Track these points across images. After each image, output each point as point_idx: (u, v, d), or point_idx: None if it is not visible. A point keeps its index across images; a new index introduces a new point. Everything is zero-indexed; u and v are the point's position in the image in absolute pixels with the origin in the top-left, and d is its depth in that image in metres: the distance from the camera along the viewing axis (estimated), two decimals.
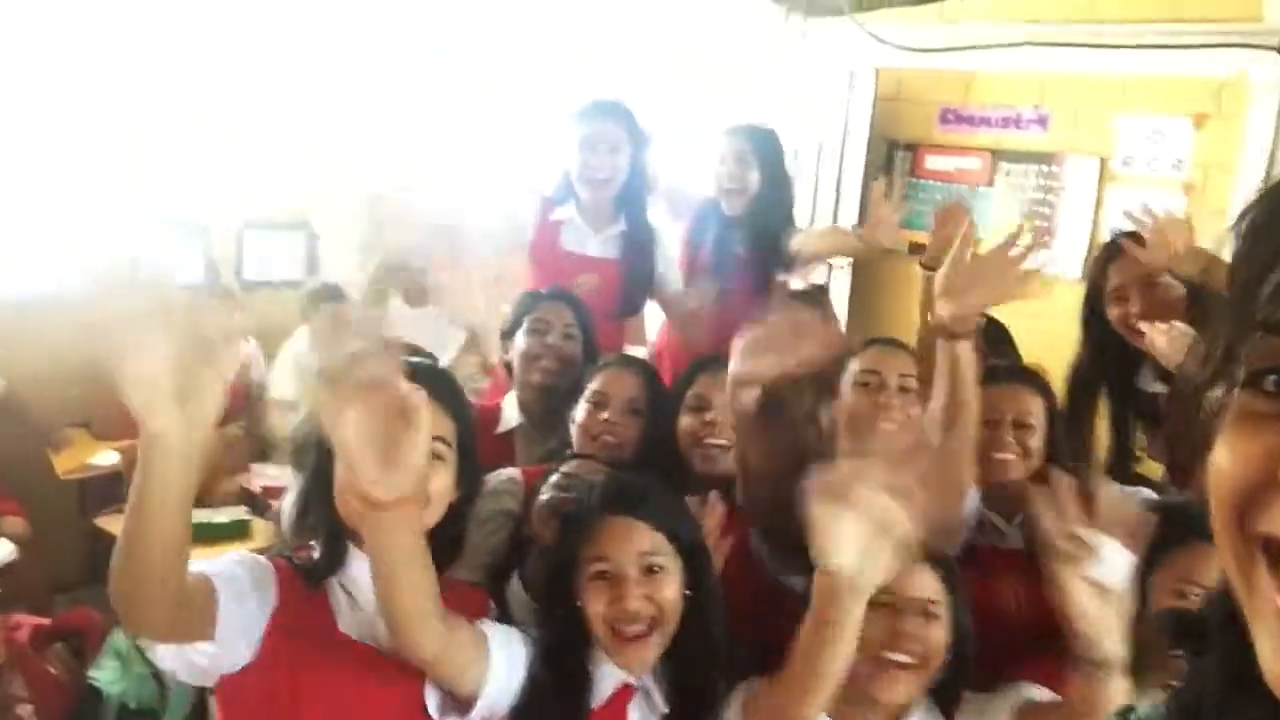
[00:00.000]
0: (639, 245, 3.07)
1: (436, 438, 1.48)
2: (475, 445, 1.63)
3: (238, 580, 1.41)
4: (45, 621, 3.30)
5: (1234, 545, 0.48)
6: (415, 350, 2.18)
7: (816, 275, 5.77)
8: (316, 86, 4.74)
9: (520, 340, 2.54)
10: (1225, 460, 0.48)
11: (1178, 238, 2.50)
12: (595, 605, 1.56)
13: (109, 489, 3.92)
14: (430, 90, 5.11)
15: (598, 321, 3.04)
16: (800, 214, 5.91)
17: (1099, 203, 4.95)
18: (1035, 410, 2.17)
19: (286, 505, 1.80)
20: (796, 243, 3.27)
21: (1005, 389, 2.18)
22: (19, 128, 4.07)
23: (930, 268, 2.65)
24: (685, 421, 2.17)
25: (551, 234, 3.09)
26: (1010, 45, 5.08)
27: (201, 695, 3.16)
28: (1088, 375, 2.73)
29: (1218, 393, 0.50)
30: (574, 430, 2.24)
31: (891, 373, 2.19)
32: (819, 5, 5.68)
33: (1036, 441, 2.14)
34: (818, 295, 5.27)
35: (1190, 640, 0.59)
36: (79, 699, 3.27)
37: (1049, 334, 4.92)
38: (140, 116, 4.34)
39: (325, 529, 1.51)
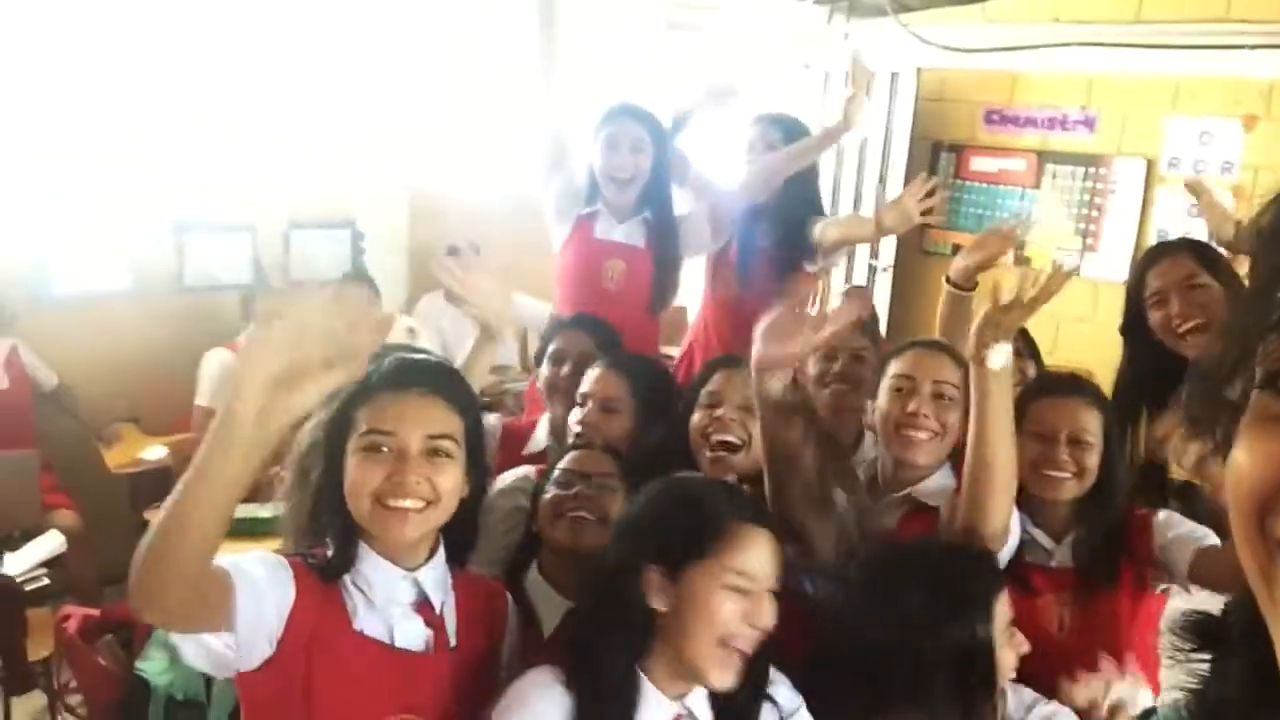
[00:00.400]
0: (665, 234, 3.10)
1: (445, 435, 1.51)
2: (483, 442, 1.65)
3: (255, 576, 1.41)
4: (95, 613, 3.36)
5: (1254, 548, 0.47)
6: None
7: (841, 270, 5.76)
8: (358, 85, 4.79)
9: (543, 369, 2.57)
10: (1244, 462, 0.48)
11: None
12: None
13: (158, 484, 3.98)
14: (470, 87, 5.15)
15: (632, 316, 3.06)
16: (843, 214, 5.91)
17: (1146, 205, 4.89)
18: (1092, 426, 2.03)
19: (286, 510, 1.81)
20: (818, 230, 3.25)
21: (1061, 402, 2.06)
22: (67, 131, 4.16)
23: (957, 286, 2.56)
24: (696, 417, 2.16)
25: (585, 226, 3.13)
26: (1056, 45, 5.04)
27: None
28: (1131, 383, 2.64)
29: (1234, 394, 0.49)
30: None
31: (925, 378, 2.08)
32: (862, 6, 5.66)
33: (1092, 460, 2.01)
34: (867, 293, 5.26)
35: (1212, 643, 0.58)
36: (127, 690, 3.32)
37: (1094, 338, 4.89)
38: (189, 119, 4.41)
39: (337, 528, 1.52)
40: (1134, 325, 2.57)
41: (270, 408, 1.17)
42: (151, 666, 3.34)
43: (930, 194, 2.90)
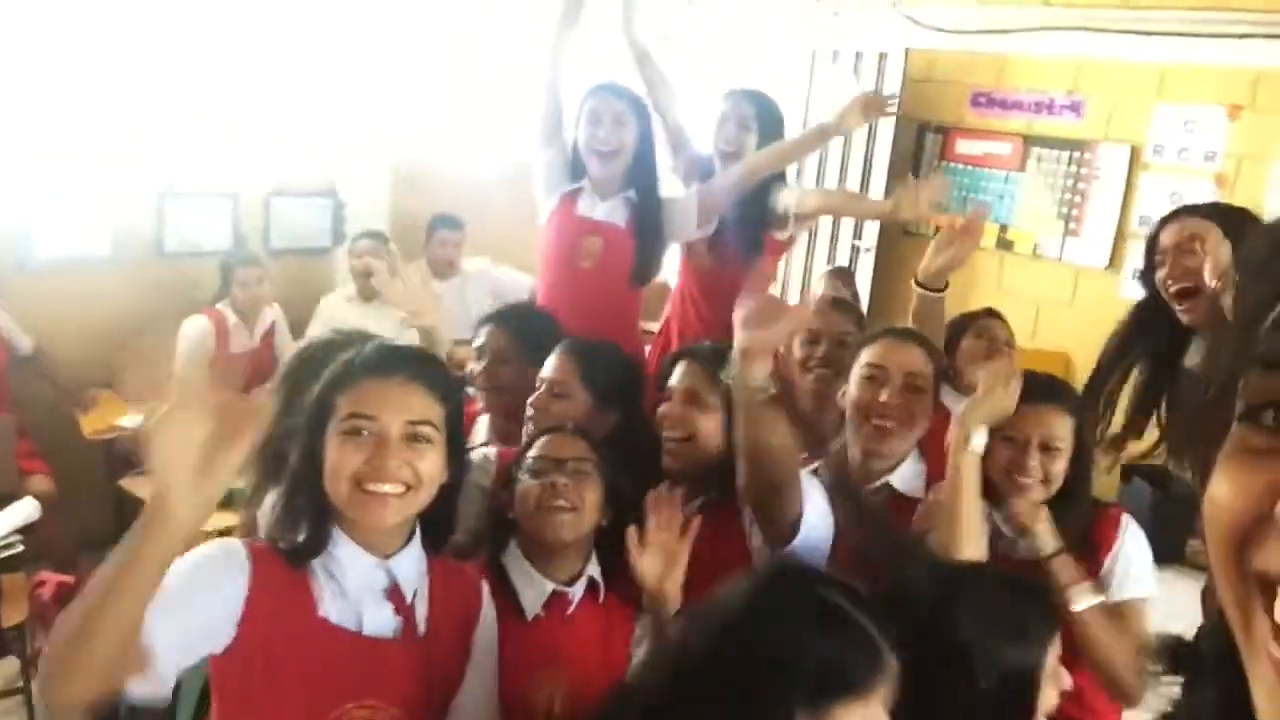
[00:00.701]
0: (648, 212, 3.10)
1: (424, 421, 1.51)
2: (462, 428, 1.63)
3: (179, 601, 1.34)
4: (69, 579, 3.35)
5: (1231, 581, 0.47)
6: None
7: (823, 251, 5.76)
8: (341, 54, 4.75)
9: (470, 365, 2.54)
10: (1223, 494, 0.47)
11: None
12: None
13: (134, 451, 3.96)
14: (454, 55, 5.11)
15: (610, 293, 3.08)
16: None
17: (1129, 191, 4.90)
18: (1063, 433, 2.04)
19: (268, 504, 1.80)
20: (795, 198, 3.26)
21: (1033, 409, 2.05)
22: (51, 96, 4.11)
23: (926, 287, 2.52)
24: (661, 409, 2.14)
25: (568, 203, 3.13)
26: (1046, 29, 5.03)
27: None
28: (1129, 339, 2.62)
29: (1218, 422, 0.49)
30: None
31: (897, 368, 2.08)
32: None
33: (1060, 466, 2.03)
34: (848, 275, 5.27)
35: (1184, 668, 0.58)
36: None
37: (1074, 323, 4.91)
38: (172, 86, 4.37)
39: (311, 510, 1.51)
40: (1146, 278, 2.56)
41: (197, 490, 1.23)
42: None
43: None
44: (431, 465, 1.52)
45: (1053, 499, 2.05)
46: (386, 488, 1.47)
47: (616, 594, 1.88)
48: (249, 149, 4.69)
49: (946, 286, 2.54)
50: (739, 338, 1.77)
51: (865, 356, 2.14)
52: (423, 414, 1.52)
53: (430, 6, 4.91)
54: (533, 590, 1.80)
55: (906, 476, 2.11)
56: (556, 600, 1.81)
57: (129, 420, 4.05)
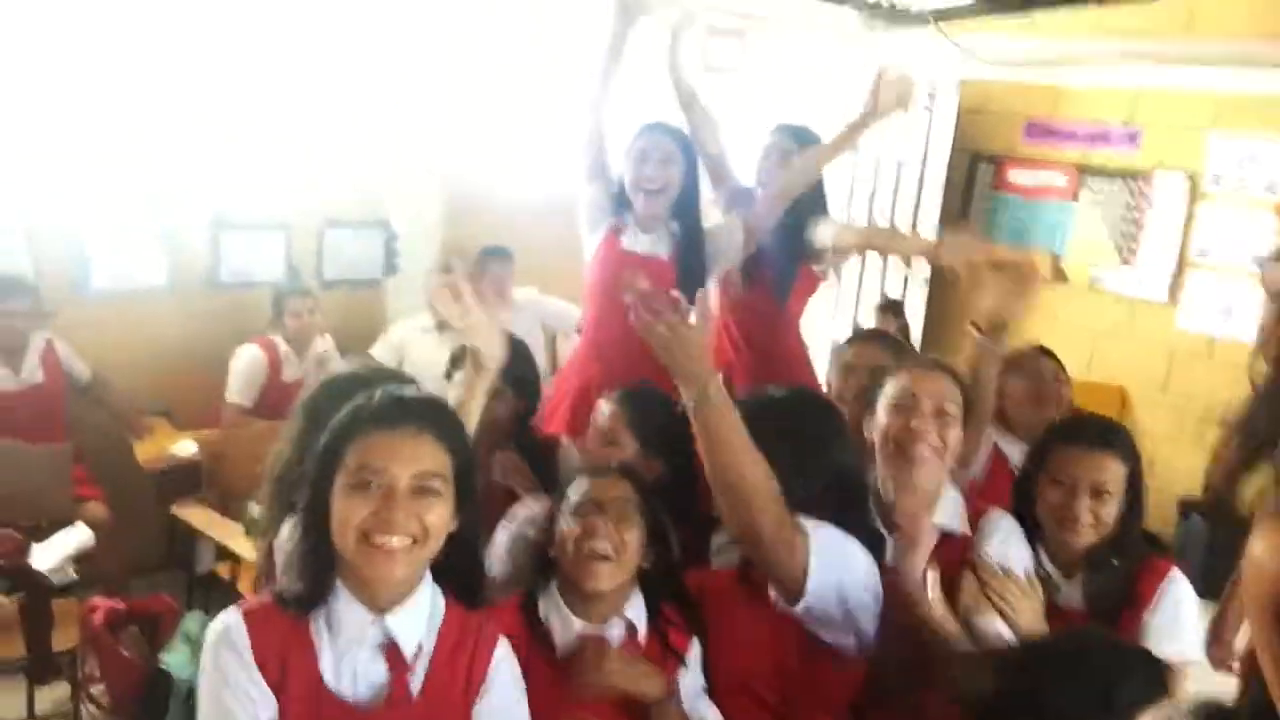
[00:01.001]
0: (690, 244, 3.11)
1: (433, 474, 1.49)
2: (473, 476, 1.60)
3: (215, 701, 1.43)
4: (120, 605, 3.38)
5: (1271, 642, 0.46)
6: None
7: (876, 281, 5.71)
8: (393, 85, 4.80)
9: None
10: (1263, 556, 0.46)
11: None
12: None
13: (186, 479, 4.01)
14: (504, 86, 5.15)
15: None
16: (880, 224, 5.88)
17: (1188, 221, 4.82)
18: (1115, 478, 2.02)
19: (284, 534, 1.82)
20: (832, 234, 3.25)
21: (1085, 454, 2.03)
22: (108, 128, 4.19)
23: (982, 330, 2.37)
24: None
25: (612, 237, 3.15)
26: (1101, 59, 4.98)
27: None
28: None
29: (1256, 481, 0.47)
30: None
31: (925, 396, 2.03)
32: (902, 15, 5.62)
33: (1111, 511, 2.01)
34: (899, 307, 5.23)
35: None
36: (149, 681, 3.34)
37: (1131, 356, 4.82)
38: (228, 117, 4.44)
39: (315, 560, 1.50)
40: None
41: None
42: (174, 659, 3.35)
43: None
44: (439, 517, 1.49)
45: (1101, 542, 2.02)
46: (394, 540, 1.45)
47: (660, 635, 1.85)
48: (302, 180, 4.75)
49: (1005, 329, 2.37)
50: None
51: (892, 387, 2.10)
52: (431, 466, 1.49)
53: (482, 37, 4.96)
54: (566, 630, 1.80)
55: (948, 509, 2.06)
56: (591, 639, 1.79)
57: (182, 448, 4.10)
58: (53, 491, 3.59)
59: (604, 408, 2.36)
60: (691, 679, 1.85)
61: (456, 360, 2.54)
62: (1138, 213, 4.98)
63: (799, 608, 1.74)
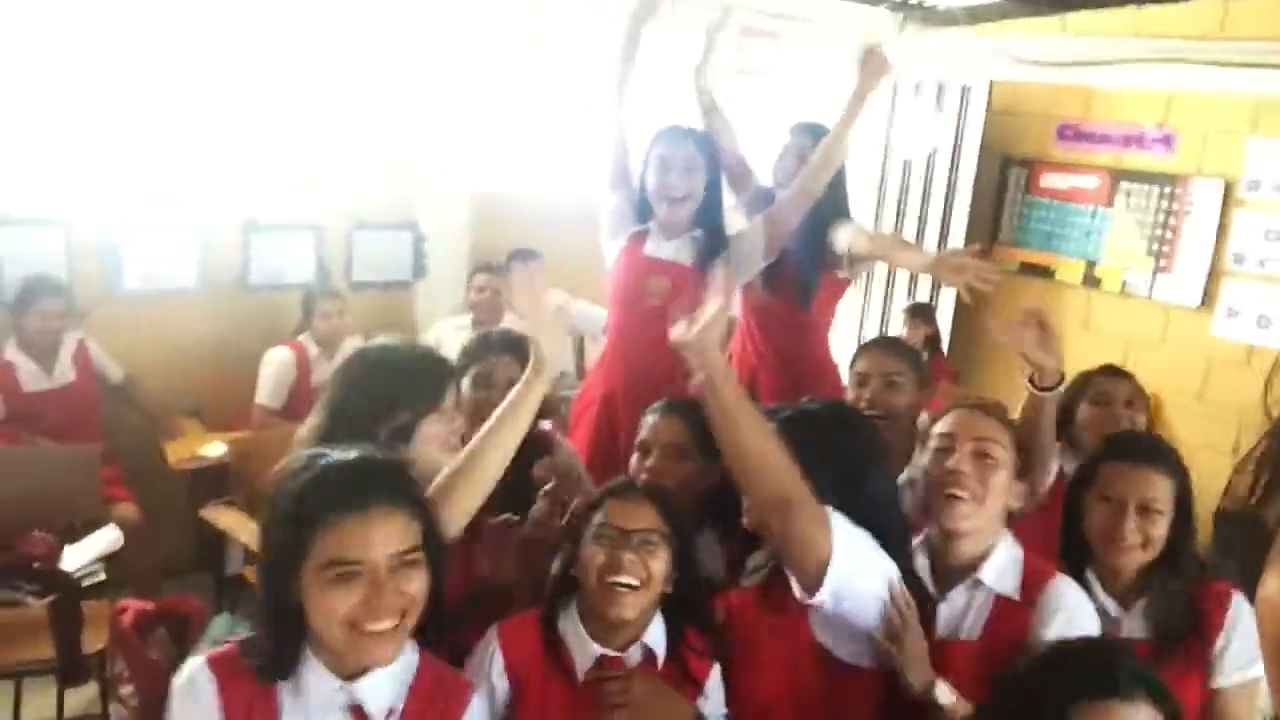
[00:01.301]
0: (714, 252, 3.08)
1: (410, 549, 1.44)
2: (438, 531, 1.54)
3: None
4: (149, 606, 3.40)
5: None
6: None
7: (903, 287, 5.67)
8: (425, 87, 4.81)
9: (468, 391, 2.42)
10: (1276, 596, 0.44)
11: None
12: None
13: (216, 481, 4.03)
14: (533, 89, 5.14)
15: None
16: (909, 227, 5.84)
17: (1223, 228, 4.75)
18: (1163, 495, 1.97)
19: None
20: (849, 238, 3.21)
21: (1132, 470, 1.99)
22: (140, 132, 4.22)
23: (1038, 386, 2.28)
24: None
25: (635, 244, 3.12)
26: (1136, 60, 4.91)
27: None
28: None
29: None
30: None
31: (967, 435, 1.94)
32: (935, 15, 5.58)
33: (1160, 529, 1.96)
34: (929, 312, 5.19)
35: None
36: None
37: (1164, 363, 4.76)
38: (255, 120, 4.47)
39: (283, 635, 1.46)
40: None
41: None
42: None
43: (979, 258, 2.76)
44: (421, 585, 1.45)
45: (1155, 564, 1.97)
46: (385, 625, 1.41)
47: (679, 661, 1.83)
48: (332, 183, 4.77)
49: (1061, 382, 2.31)
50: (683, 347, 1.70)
51: (937, 428, 2.03)
52: (408, 541, 1.44)
53: (512, 41, 4.95)
54: (583, 653, 1.78)
55: (1002, 565, 1.91)
56: (611, 664, 1.77)
57: (213, 449, 4.12)
58: (83, 492, 3.61)
59: (659, 421, 2.31)
60: (712, 707, 1.83)
61: (469, 353, 2.50)
62: (1173, 218, 4.92)
63: (822, 594, 1.68)
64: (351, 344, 4.59)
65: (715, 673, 1.85)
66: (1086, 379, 2.79)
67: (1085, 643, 1.69)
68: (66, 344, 4.06)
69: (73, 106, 4.10)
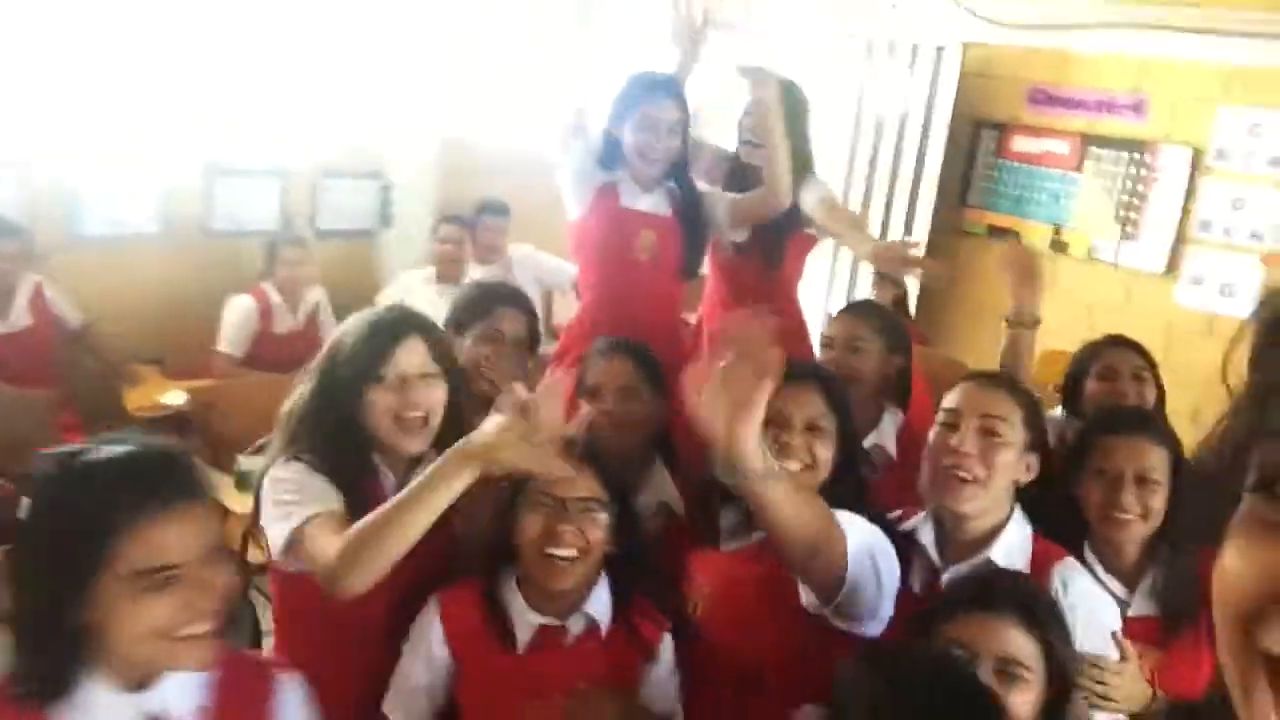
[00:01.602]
0: (692, 205, 3.04)
1: (219, 545, 1.35)
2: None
3: None
4: None
5: (1236, 656, 0.47)
6: None
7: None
8: (393, 33, 4.74)
9: (471, 347, 2.40)
10: (1234, 567, 0.47)
11: None
12: None
13: (175, 429, 3.98)
14: (502, 39, 5.08)
15: (661, 286, 3.01)
16: (879, 190, 5.84)
17: (1190, 195, 4.79)
18: (1159, 465, 1.93)
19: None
20: (811, 209, 3.19)
21: (1126, 441, 1.96)
22: (99, 71, 4.14)
23: (1018, 323, 2.46)
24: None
25: (609, 194, 3.01)
26: (1110, 25, 4.91)
27: (256, 623, 3.19)
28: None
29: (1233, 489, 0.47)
30: None
31: (972, 411, 1.85)
32: None
33: (1159, 501, 1.92)
34: (886, 289, 5.18)
35: None
36: None
37: (1128, 328, 4.79)
38: (223, 62, 4.38)
39: (59, 652, 1.28)
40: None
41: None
42: None
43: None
44: (230, 579, 1.35)
45: (1156, 538, 1.96)
46: (205, 627, 1.30)
47: (626, 626, 1.80)
48: (298, 128, 4.70)
49: (1039, 322, 2.41)
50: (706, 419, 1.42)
51: (944, 402, 1.93)
52: (212, 531, 1.34)
53: None
54: (524, 624, 1.74)
55: (1013, 544, 1.85)
56: (553, 632, 1.75)
57: (172, 397, 4.08)
58: (40, 438, 3.56)
59: (609, 364, 2.28)
60: (662, 671, 1.80)
61: (469, 307, 2.48)
62: (1141, 185, 4.95)
63: (838, 599, 1.58)
64: (314, 294, 4.56)
65: (667, 640, 1.81)
66: (1094, 351, 2.72)
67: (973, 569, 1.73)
68: (23, 287, 4.00)
69: (33, 48, 4.00)
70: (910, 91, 5.72)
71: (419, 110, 4.96)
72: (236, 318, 4.33)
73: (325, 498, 1.74)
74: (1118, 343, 2.73)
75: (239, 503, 3.58)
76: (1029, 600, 1.54)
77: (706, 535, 1.97)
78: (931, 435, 1.91)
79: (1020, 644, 1.48)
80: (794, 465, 1.73)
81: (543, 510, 1.73)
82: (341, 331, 1.91)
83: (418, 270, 4.82)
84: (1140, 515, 1.93)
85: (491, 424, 1.58)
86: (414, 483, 1.60)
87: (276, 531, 1.74)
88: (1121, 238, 5.01)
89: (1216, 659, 0.47)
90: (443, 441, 1.79)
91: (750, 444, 1.40)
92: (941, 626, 1.52)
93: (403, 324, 1.86)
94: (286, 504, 1.74)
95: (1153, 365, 2.69)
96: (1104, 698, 1.71)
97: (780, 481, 1.47)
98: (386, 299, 4.62)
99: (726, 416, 1.37)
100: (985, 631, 1.48)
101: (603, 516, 1.75)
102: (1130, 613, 1.94)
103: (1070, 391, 2.68)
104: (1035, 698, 1.48)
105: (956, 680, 1.39)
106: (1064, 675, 1.52)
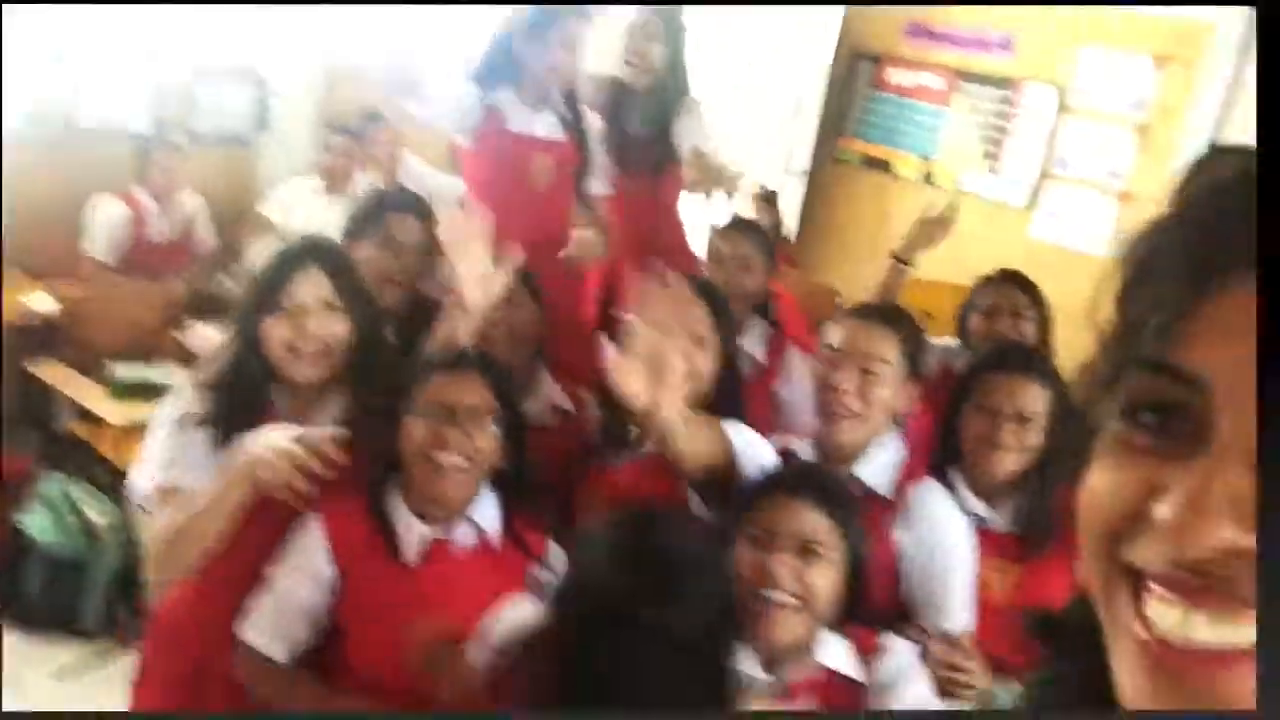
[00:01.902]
0: (584, 127, 2.99)
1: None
2: None
3: None
4: None
5: (1100, 567, 0.49)
6: None
7: (751, 176, 5.77)
8: None
9: (371, 257, 2.30)
10: (1099, 487, 0.49)
11: None
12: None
13: (43, 338, 3.86)
14: None
15: (557, 214, 2.94)
16: (757, 118, 5.91)
17: (1054, 133, 4.99)
18: (1038, 404, 1.99)
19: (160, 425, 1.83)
20: (683, 138, 3.26)
21: (1009, 379, 2.01)
22: None
23: (903, 260, 2.94)
24: None
25: (495, 117, 2.87)
26: None
27: (131, 551, 3.18)
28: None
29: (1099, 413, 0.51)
30: None
31: (854, 351, 1.93)
32: None
33: (1035, 437, 1.99)
34: (774, 198, 5.25)
35: (1051, 638, 0.62)
36: (5, 544, 3.29)
37: (987, 259, 5.00)
38: None
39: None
40: None
41: None
42: (35, 522, 3.31)
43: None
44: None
45: (1027, 470, 2.02)
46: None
47: (515, 537, 1.80)
48: (172, 27, 4.51)
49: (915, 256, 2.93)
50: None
51: (828, 336, 2.01)
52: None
53: None
54: (411, 535, 1.73)
55: (880, 465, 1.95)
56: (443, 546, 1.74)
57: (38, 301, 3.94)
58: None
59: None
60: (550, 576, 1.79)
61: (362, 215, 2.42)
62: (1006, 121, 5.14)
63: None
64: (189, 199, 4.43)
65: (554, 545, 1.83)
66: (982, 286, 2.84)
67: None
68: None
69: None
70: (794, 21, 5.77)
71: (299, 12, 4.79)
72: (105, 220, 4.17)
73: (176, 465, 1.77)
74: (1003, 279, 2.83)
75: (113, 411, 3.54)
76: (823, 484, 1.65)
77: (614, 441, 2.04)
78: (814, 367, 2.03)
79: (816, 524, 1.56)
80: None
81: (431, 416, 1.71)
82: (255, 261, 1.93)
83: (303, 179, 4.68)
84: (1015, 450, 1.99)
85: (280, 438, 1.61)
86: (203, 493, 1.67)
87: (133, 475, 1.84)
88: (988, 171, 5.21)
89: (1076, 573, 0.52)
90: (366, 378, 1.84)
91: (674, 410, 1.51)
92: (746, 514, 1.61)
93: (303, 254, 1.83)
94: (150, 456, 1.80)
95: (1039, 303, 2.75)
96: (958, 685, 1.73)
97: (695, 431, 1.61)
98: (269, 209, 4.53)
99: (648, 384, 1.46)
100: (785, 514, 1.57)
101: (492, 427, 1.74)
102: (986, 526, 2.01)
103: (962, 324, 2.81)
104: (836, 574, 1.56)
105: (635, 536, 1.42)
106: (858, 555, 1.61)
